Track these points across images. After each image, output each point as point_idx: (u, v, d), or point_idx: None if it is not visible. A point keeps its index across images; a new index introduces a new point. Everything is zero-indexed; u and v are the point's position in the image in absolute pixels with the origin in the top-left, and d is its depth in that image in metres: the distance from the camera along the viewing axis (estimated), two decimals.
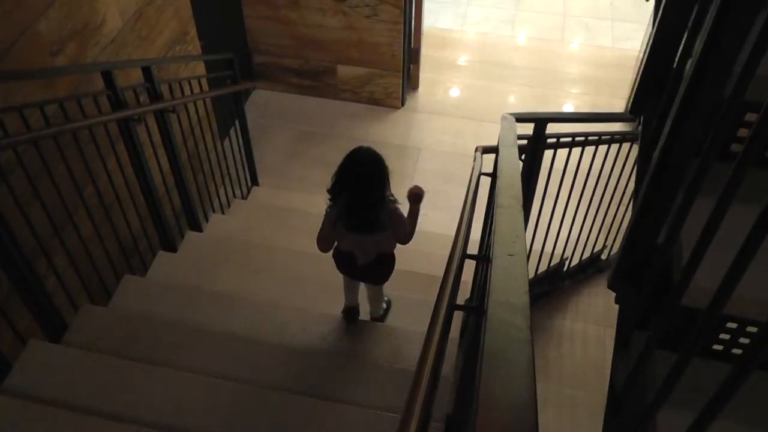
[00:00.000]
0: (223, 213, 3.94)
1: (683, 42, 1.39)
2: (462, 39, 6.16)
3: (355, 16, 4.80)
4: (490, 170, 2.72)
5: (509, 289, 1.04)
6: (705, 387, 1.18)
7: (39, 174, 2.27)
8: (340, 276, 2.98)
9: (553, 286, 3.84)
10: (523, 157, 2.94)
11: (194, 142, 3.52)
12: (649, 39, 4.39)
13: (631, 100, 1.60)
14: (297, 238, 3.63)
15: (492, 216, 1.76)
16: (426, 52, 5.41)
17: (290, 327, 2.71)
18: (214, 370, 2.36)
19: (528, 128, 2.89)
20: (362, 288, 2.79)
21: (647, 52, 1.54)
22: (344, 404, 2.30)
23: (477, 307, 1.57)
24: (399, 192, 2.37)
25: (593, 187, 3.41)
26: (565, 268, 3.82)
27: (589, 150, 3.20)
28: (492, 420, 0.72)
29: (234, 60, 3.83)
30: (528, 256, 1.32)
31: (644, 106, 1.58)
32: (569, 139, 3.04)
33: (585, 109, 5.30)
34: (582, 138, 3.06)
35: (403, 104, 5.36)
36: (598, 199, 3.52)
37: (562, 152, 3.11)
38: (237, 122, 4.13)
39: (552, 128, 2.95)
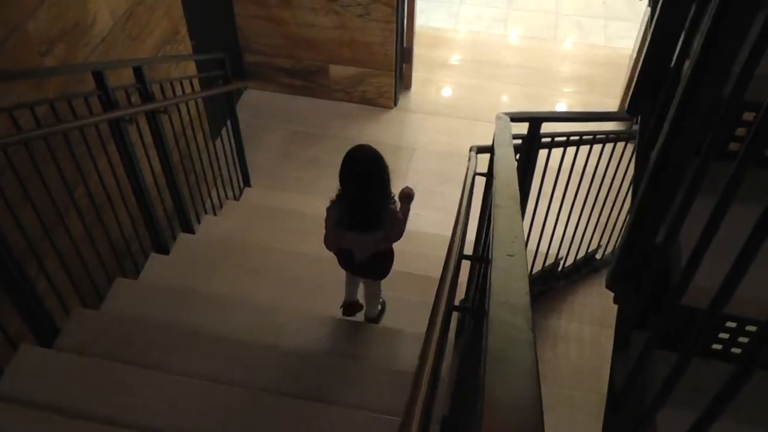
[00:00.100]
0: (215, 214, 3.92)
1: (681, 41, 1.39)
2: (454, 38, 6.15)
3: (347, 16, 4.78)
4: (485, 170, 2.71)
5: (510, 290, 1.03)
6: (704, 386, 1.17)
7: (29, 175, 2.24)
8: (335, 277, 2.97)
9: (548, 286, 3.83)
10: (517, 156, 2.94)
11: (186, 142, 3.49)
12: (645, 38, 4.40)
13: (629, 99, 1.60)
14: (290, 239, 3.62)
15: (489, 216, 1.75)
16: (418, 51, 5.39)
17: (285, 329, 2.70)
18: (208, 373, 2.34)
19: (522, 127, 2.89)
20: (360, 286, 2.79)
21: (644, 52, 1.53)
22: (340, 406, 2.28)
23: (475, 308, 1.56)
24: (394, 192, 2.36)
25: (588, 186, 3.41)
26: (559, 268, 3.81)
27: (584, 149, 3.19)
28: (498, 422, 0.71)
29: (225, 59, 3.80)
30: None
31: (641, 106, 1.57)
32: (564, 138, 3.03)
33: (577, 107, 5.30)
34: (576, 137, 3.06)
35: (395, 104, 5.35)
36: (593, 198, 3.51)
37: (557, 151, 3.11)
38: (229, 122, 4.10)
39: (546, 127, 2.95)
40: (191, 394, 2.23)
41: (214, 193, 3.96)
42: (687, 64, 1.39)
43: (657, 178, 1.31)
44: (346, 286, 2.86)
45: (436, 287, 3.04)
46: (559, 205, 3.42)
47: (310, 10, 4.81)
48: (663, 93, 1.41)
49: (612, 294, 1.60)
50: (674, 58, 1.43)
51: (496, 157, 2.06)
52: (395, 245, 2.57)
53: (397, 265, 2.67)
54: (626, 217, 3.78)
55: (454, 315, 2.89)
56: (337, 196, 2.30)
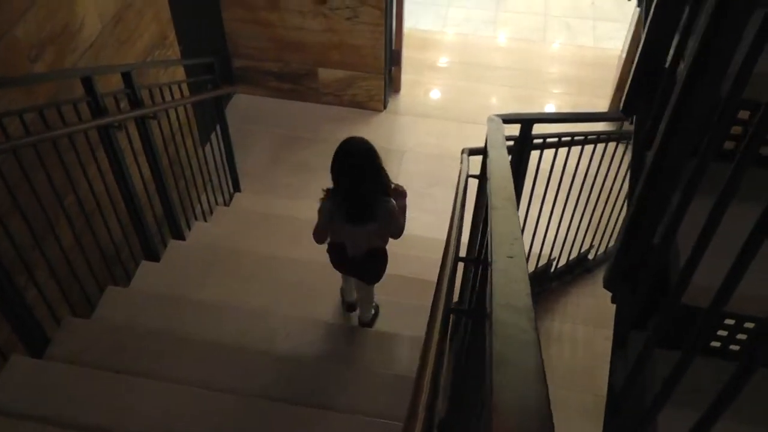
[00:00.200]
0: (205, 220, 3.89)
1: (676, 41, 1.39)
2: (443, 40, 6.16)
3: (335, 18, 4.77)
4: (477, 172, 2.70)
5: (511, 292, 1.03)
6: (703, 384, 1.17)
7: (18, 183, 2.21)
8: (327, 281, 2.96)
9: (541, 287, 3.84)
10: (509, 158, 2.93)
11: (175, 148, 3.46)
12: (635, 38, 4.42)
13: (623, 99, 1.60)
14: (282, 244, 3.60)
15: (485, 218, 1.74)
16: (407, 53, 5.39)
17: (278, 334, 2.69)
18: (201, 379, 2.33)
19: (513, 129, 2.89)
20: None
21: (639, 51, 1.53)
22: (334, 411, 2.27)
23: (473, 310, 1.55)
24: None
25: (579, 186, 3.42)
26: (552, 269, 3.82)
27: (575, 150, 3.20)
28: (507, 424, 0.71)
29: (214, 64, 3.78)
30: None
31: (636, 106, 1.57)
32: (555, 139, 3.04)
33: (566, 108, 5.32)
34: (568, 138, 3.06)
35: (385, 107, 5.34)
36: (585, 199, 3.52)
37: (548, 153, 3.11)
38: (218, 127, 4.08)
39: (537, 129, 2.95)
40: (184, 401, 2.21)
41: (204, 198, 3.93)
42: (682, 64, 1.39)
43: (654, 178, 1.30)
44: (343, 288, 2.87)
45: (430, 290, 3.03)
46: (551, 206, 3.42)
47: (298, 13, 4.79)
48: (659, 93, 1.41)
49: (607, 294, 1.60)
50: (669, 58, 1.43)
51: (489, 159, 2.06)
52: (388, 247, 2.56)
53: (389, 269, 2.66)
54: (618, 216, 3.80)
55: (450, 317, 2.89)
56: (330, 189, 2.31)
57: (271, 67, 5.22)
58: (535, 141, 2.97)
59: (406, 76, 5.49)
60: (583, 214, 3.63)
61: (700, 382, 1.20)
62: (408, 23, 5.37)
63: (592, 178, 3.43)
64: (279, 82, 5.31)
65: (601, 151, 3.35)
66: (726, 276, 0.93)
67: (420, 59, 5.78)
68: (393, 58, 5.23)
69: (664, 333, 1.34)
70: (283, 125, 5.21)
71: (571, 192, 3.42)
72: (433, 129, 5.18)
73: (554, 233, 3.60)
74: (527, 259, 3.68)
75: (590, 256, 4.00)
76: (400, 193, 2.41)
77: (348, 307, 2.92)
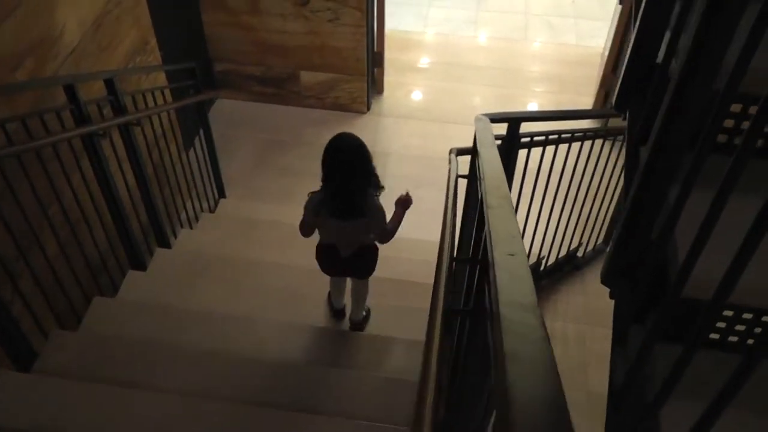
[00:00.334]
0: (191, 228, 3.85)
1: (669, 36, 1.39)
2: (424, 41, 6.16)
3: (317, 21, 4.74)
4: (465, 172, 2.70)
5: (516, 290, 1.03)
6: (703, 376, 1.17)
7: (2, 193, 2.16)
8: (315, 286, 2.94)
9: None
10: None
11: (159, 154, 3.42)
12: (617, 36, 4.44)
13: (615, 95, 1.60)
14: (269, 249, 3.57)
15: (478, 218, 1.74)
16: (389, 55, 5.38)
17: (268, 340, 2.67)
18: (192, 389, 2.30)
19: (500, 128, 2.89)
20: (347, 291, 2.77)
21: (630, 46, 1.53)
22: (325, 415, 2.25)
23: (474, 310, 1.54)
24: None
25: (567, 184, 3.43)
26: (542, 268, 3.82)
27: (562, 148, 3.21)
28: (525, 416, 0.70)
29: (196, 69, 3.74)
30: None
31: (629, 102, 1.57)
32: (543, 137, 3.04)
33: (550, 107, 5.34)
34: (555, 136, 3.07)
35: (368, 109, 5.33)
36: (573, 196, 3.53)
37: (535, 151, 3.11)
38: (201, 132, 4.04)
39: (524, 127, 2.95)
40: (176, 411, 2.18)
41: (189, 205, 3.89)
42: (676, 58, 1.39)
43: (650, 173, 1.30)
44: (331, 295, 2.84)
45: (420, 292, 3.03)
46: (539, 205, 3.43)
47: (279, 16, 4.76)
48: (653, 88, 1.41)
49: (597, 291, 1.60)
50: (662, 52, 1.43)
51: (481, 159, 2.05)
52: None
53: (378, 272, 2.65)
54: (606, 213, 3.82)
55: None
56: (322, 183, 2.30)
57: (253, 71, 5.18)
58: (523, 140, 2.97)
59: (389, 78, 5.48)
60: (571, 212, 3.64)
61: (699, 372, 1.20)
62: (389, 24, 5.36)
63: (580, 176, 3.45)
64: (261, 86, 5.27)
65: (588, 149, 3.37)
66: (728, 268, 0.93)
67: (402, 60, 5.78)
68: (375, 60, 5.22)
69: (665, 327, 1.34)
70: (266, 130, 5.17)
71: (559, 190, 3.43)
72: (417, 130, 5.17)
73: (543, 231, 3.60)
74: None
75: (579, 254, 4.02)
76: (404, 203, 2.43)
77: (336, 314, 2.89)
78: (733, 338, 1.39)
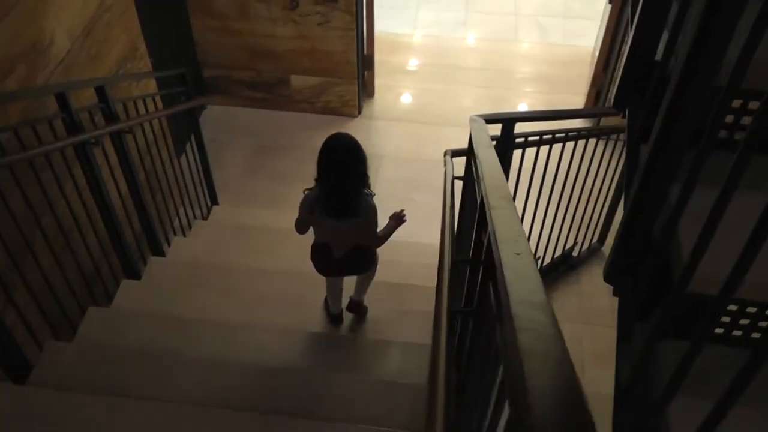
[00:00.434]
0: (184, 235, 3.82)
1: (668, 35, 1.39)
2: (414, 43, 6.16)
3: (306, 25, 4.73)
4: (460, 173, 2.70)
5: (525, 289, 1.03)
6: (707, 371, 1.17)
7: None
8: (311, 290, 2.92)
9: None
10: None
11: (151, 160, 3.40)
12: (607, 35, 4.45)
13: (614, 93, 1.60)
14: (263, 255, 3.55)
15: (479, 218, 1.73)
16: (379, 57, 5.37)
17: (266, 347, 2.65)
18: (191, 397, 2.28)
19: (494, 129, 2.88)
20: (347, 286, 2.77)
21: (629, 44, 1.53)
22: (327, 420, 2.24)
23: (477, 310, 1.53)
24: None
25: (562, 183, 3.43)
26: (537, 268, 3.82)
27: (556, 148, 3.21)
28: (544, 407, 0.71)
29: (186, 75, 3.72)
30: None
31: (628, 100, 1.58)
32: (537, 137, 3.04)
33: (540, 107, 5.35)
34: (549, 136, 3.07)
35: (360, 112, 5.32)
36: (567, 196, 3.53)
37: (529, 151, 3.11)
38: (193, 138, 4.01)
39: (517, 128, 2.95)
40: (175, 420, 2.16)
41: (182, 212, 3.86)
42: (675, 58, 1.39)
43: (652, 171, 1.30)
44: (328, 299, 2.82)
45: (417, 294, 3.02)
46: (534, 205, 3.43)
47: (268, 20, 4.74)
48: (652, 86, 1.41)
49: (592, 291, 1.60)
50: (661, 50, 1.44)
51: (479, 160, 2.05)
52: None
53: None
54: (601, 212, 3.82)
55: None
56: (315, 182, 2.32)
57: (243, 76, 5.16)
58: (518, 140, 2.97)
59: (379, 81, 5.47)
60: (566, 212, 3.64)
61: (703, 367, 1.20)
62: (378, 27, 5.36)
63: (574, 175, 3.45)
64: (252, 91, 5.25)
65: (582, 148, 3.37)
66: (735, 264, 0.93)
67: (392, 63, 5.77)
68: (365, 63, 5.21)
69: (669, 324, 1.34)
70: (257, 135, 5.15)
71: (554, 190, 3.43)
72: (408, 133, 5.17)
73: (538, 232, 3.60)
74: None
75: (575, 253, 4.02)
76: (398, 219, 2.47)
77: (333, 319, 2.88)
78: (737, 333, 1.39)
